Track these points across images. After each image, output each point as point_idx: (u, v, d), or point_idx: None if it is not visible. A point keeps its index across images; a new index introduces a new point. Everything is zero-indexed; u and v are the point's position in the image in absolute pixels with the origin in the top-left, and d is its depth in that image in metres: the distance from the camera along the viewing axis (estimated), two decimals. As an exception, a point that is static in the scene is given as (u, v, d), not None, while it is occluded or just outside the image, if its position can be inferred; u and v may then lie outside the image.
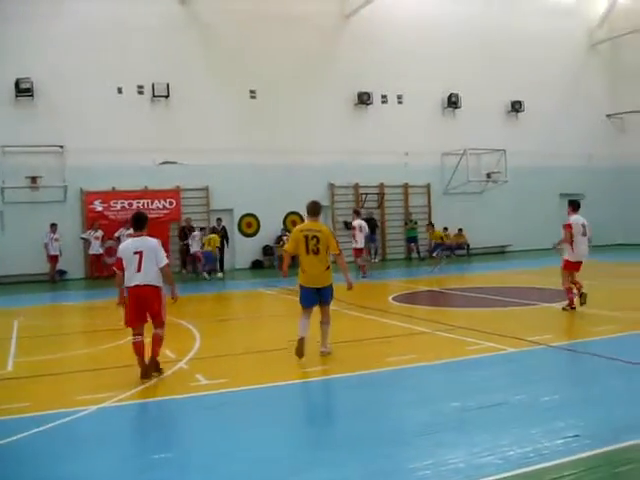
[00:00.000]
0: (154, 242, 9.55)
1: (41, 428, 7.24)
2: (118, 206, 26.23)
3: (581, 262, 14.56)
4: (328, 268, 10.32)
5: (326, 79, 29.33)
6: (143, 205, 26.44)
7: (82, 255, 25.98)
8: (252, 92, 28.39)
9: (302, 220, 27.15)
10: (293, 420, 7.53)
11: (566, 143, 34.35)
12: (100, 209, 25.97)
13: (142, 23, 26.37)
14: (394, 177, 30.65)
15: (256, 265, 28.42)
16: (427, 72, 31.00)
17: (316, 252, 10.16)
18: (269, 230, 28.54)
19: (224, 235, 26.78)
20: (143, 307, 9.40)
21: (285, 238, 27.79)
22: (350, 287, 10.69)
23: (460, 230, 31.81)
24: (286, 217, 28.72)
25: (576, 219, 14.73)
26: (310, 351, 11.26)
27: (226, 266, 26.98)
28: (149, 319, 9.55)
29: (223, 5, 27.44)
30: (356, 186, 30.17)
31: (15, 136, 24.63)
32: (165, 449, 6.69)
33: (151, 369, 9.39)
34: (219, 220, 26.96)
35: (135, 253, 9.33)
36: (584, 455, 6.04)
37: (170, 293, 9.77)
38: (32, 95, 25.16)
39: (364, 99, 30.04)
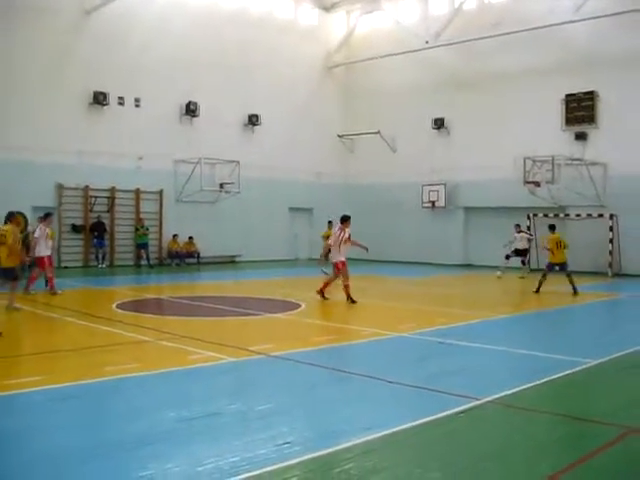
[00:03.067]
0: None
1: None
2: None
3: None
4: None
5: (60, 75, 27.94)
6: None
7: None
8: (-24, 80, 26.43)
9: (26, 220, 25.86)
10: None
11: (299, 159, 35.69)
12: None
13: None
14: (126, 181, 29.92)
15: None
16: (167, 78, 30.73)
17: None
18: (-12, 229, 26.66)
19: None
20: None
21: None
22: None
23: (191, 238, 31.74)
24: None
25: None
26: (21, 360, 10.67)
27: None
28: None
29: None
30: (86, 188, 29.07)
31: None
32: None
33: None
34: None
35: None
36: (294, 461, 6.16)
37: None
38: None
39: (100, 99, 29.03)
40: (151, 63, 30.22)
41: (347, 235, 18.56)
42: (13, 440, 6.82)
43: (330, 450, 6.47)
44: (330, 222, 29.66)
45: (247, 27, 33.74)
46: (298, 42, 36.23)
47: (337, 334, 12.96)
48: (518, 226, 28.27)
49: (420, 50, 33.87)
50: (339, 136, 38.36)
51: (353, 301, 17.56)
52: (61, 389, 8.73)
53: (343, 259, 18.36)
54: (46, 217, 19.56)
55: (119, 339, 12.33)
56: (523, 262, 27.97)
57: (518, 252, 27.67)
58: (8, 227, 15.22)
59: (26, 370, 9.72)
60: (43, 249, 18.86)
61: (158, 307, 18.07)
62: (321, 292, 18.22)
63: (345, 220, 19.01)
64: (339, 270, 18.17)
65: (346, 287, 17.85)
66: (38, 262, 18.84)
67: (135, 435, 6.96)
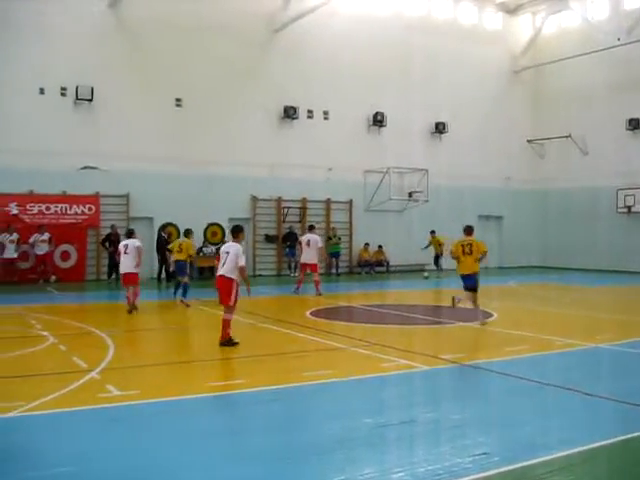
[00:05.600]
0: (238, 247, 12.74)
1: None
2: (35, 210, 25.53)
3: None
4: None
5: (253, 91, 29.30)
6: (61, 210, 25.86)
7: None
8: (178, 100, 28.13)
9: (223, 232, 27.32)
10: (204, 434, 7.38)
11: (487, 165, 35.17)
12: (16, 212, 25.21)
13: (68, 24, 25.79)
14: (317, 192, 30.77)
15: (173, 275, 27.59)
16: (354, 89, 31.30)
17: None
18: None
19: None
20: (220, 291, 12.67)
21: (205, 249, 27.72)
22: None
23: (380, 247, 32.08)
24: (207, 228, 28.43)
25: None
26: (226, 364, 11.17)
27: (143, 275, 26.35)
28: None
29: (152, 12, 27.09)
30: (279, 200, 30.16)
31: None
32: (68, 462, 6.44)
33: (225, 344, 12.32)
34: (164, 227, 26.64)
35: (225, 252, 12.72)
36: (492, 472, 6.13)
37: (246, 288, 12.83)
38: (-51, 92, 24.41)
39: (290, 113, 30.09)
40: (338, 75, 30.90)
41: None
42: (218, 438, 7.22)
43: (529, 463, 6.37)
44: (433, 232, 29.89)
45: (431, 34, 33.65)
46: (483, 47, 35.71)
47: (530, 344, 12.69)
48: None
49: (612, 48, 32.37)
50: (528, 141, 37.45)
51: None
52: (262, 392, 9.15)
53: None
54: (310, 229, 23.00)
55: (314, 346, 12.70)
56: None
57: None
58: (472, 238, 15.83)
59: (231, 373, 10.21)
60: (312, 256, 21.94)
61: (350, 315, 18.38)
62: None
63: None
64: None
65: None
66: (313, 268, 22.05)
67: (333, 439, 7.15)
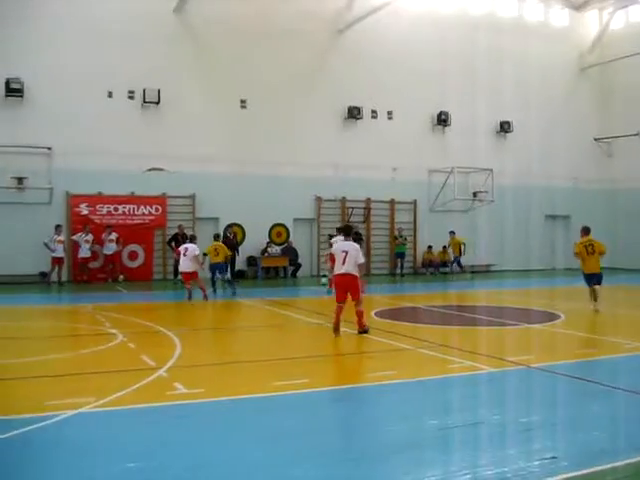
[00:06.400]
0: (356, 246, 13.65)
1: (10, 434, 7.05)
2: (104, 210, 26.11)
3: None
4: None
5: (317, 92, 29.45)
6: (129, 211, 26.38)
7: (67, 258, 25.45)
8: (243, 102, 28.43)
9: (288, 232, 27.64)
10: (268, 433, 7.40)
11: (553, 165, 34.60)
12: (86, 212, 25.81)
13: (135, 28, 26.31)
14: (381, 192, 30.73)
15: (239, 275, 27.82)
16: (418, 89, 31.18)
17: None
18: (254, 240, 28.43)
19: (236, 244, 26.13)
20: (345, 289, 13.41)
21: (270, 250, 28.00)
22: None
23: (445, 247, 31.85)
24: (272, 228, 28.68)
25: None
26: (291, 363, 11.22)
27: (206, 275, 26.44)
28: (349, 297, 13.52)
29: (217, 16, 27.48)
30: (343, 200, 30.20)
31: (2, 136, 24.44)
32: (137, 458, 6.52)
33: (362, 332, 13.61)
34: (229, 227, 27.13)
35: (343, 251, 13.38)
36: (560, 477, 6.02)
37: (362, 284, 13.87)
38: (22, 95, 25.00)
39: (354, 113, 30.13)
40: (402, 75, 30.84)
41: None
42: (283, 438, 7.23)
43: (597, 468, 6.23)
44: (452, 232, 29.61)
45: (496, 32, 33.26)
46: (549, 44, 35.11)
47: (599, 347, 12.48)
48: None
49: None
50: (595, 139, 36.77)
51: None
52: (328, 392, 9.19)
53: None
54: (340, 231, 22.49)
55: (379, 346, 12.67)
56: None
57: None
58: (592, 238, 17.61)
59: (297, 372, 10.24)
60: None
61: (414, 315, 18.29)
62: None
63: None
64: None
65: None
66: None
67: (398, 440, 7.13)
